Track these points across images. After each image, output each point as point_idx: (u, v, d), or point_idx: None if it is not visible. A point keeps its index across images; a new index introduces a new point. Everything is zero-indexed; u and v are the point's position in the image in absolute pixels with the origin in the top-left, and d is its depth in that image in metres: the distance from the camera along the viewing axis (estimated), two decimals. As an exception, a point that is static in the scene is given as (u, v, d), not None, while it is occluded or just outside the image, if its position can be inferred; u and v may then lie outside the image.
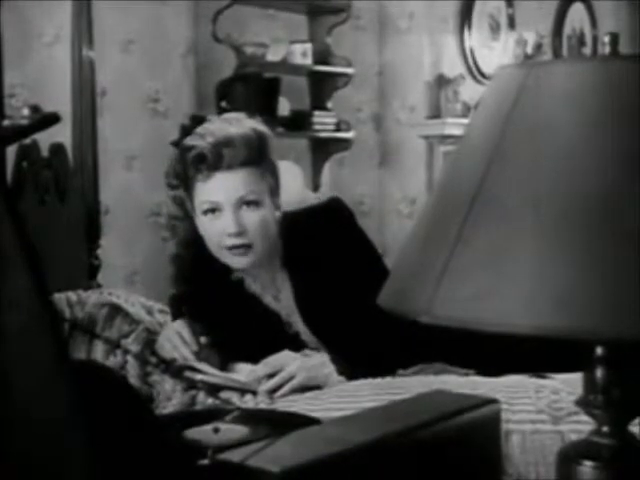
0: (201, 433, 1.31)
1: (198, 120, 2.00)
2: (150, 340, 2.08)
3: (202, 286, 2.09)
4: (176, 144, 1.99)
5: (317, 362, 1.85)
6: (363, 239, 2.05)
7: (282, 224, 1.99)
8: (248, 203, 1.91)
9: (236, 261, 1.95)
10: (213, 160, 1.88)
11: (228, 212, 1.90)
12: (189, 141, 1.92)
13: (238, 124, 1.93)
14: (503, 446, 1.28)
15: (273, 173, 1.97)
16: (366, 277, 1.90)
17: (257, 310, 2.03)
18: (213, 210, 1.92)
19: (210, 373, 1.84)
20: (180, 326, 1.99)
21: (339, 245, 1.98)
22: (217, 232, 1.93)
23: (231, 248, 1.93)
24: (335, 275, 1.94)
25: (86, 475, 0.78)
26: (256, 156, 1.91)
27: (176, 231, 2.07)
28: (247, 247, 1.92)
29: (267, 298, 2.04)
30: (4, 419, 0.77)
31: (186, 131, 1.99)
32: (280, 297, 2.03)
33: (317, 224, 2.00)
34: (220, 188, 1.90)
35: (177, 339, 1.96)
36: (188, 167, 1.92)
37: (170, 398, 1.79)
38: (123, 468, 0.98)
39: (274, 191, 1.97)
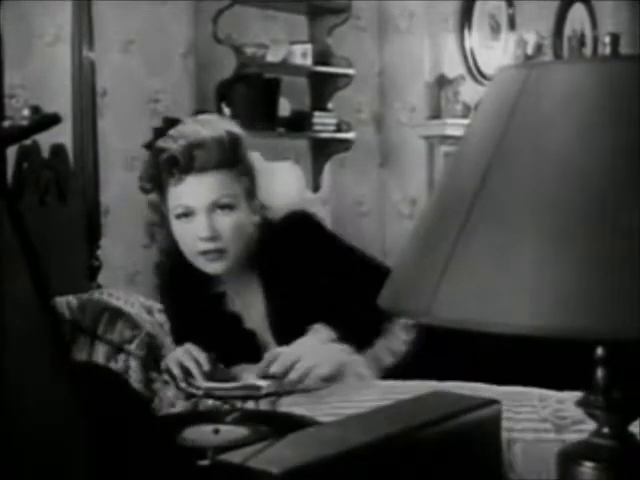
0: (201, 434, 1.31)
1: (171, 122, 1.97)
2: (153, 345, 2.05)
3: (183, 302, 2.04)
4: (149, 146, 1.96)
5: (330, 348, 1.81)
6: (335, 248, 1.99)
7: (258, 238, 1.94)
8: (222, 207, 1.88)
9: (210, 267, 1.91)
10: (185, 163, 1.85)
11: (201, 216, 1.87)
12: (161, 143, 1.90)
13: (210, 126, 1.91)
14: (506, 454, 1.27)
15: (249, 175, 1.94)
16: (340, 291, 1.87)
17: (237, 329, 1.98)
18: (186, 214, 1.89)
19: (220, 387, 1.79)
20: (190, 347, 1.93)
21: (308, 261, 1.92)
22: (190, 236, 1.90)
23: (205, 253, 1.89)
24: (308, 292, 1.89)
25: (86, 475, 0.78)
26: (229, 158, 1.88)
27: (155, 238, 2.03)
28: (221, 252, 1.89)
29: (247, 316, 1.99)
30: (4, 419, 0.77)
31: (159, 133, 1.96)
32: (251, 312, 1.98)
33: (281, 242, 1.95)
34: (192, 191, 1.87)
35: (188, 360, 1.87)
36: (161, 170, 1.89)
37: (173, 405, 1.77)
38: (123, 468, 0.98)
39: (251, 194, 1.94)
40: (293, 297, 1.90)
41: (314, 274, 1.91)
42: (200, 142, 1.86)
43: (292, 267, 1.92)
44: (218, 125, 1.92)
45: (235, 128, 1.94)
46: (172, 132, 1.90)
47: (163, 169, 1.89)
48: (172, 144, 1.87)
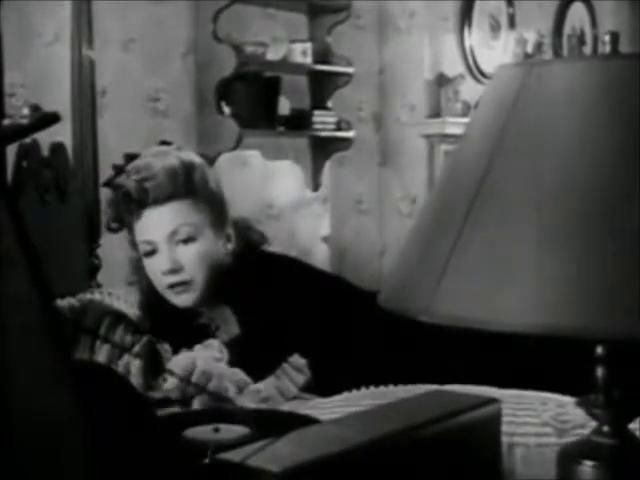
0: (201, 433, 1.31)
1: (131, 158, 1.96)
2: (154, 351, 2.04)
3: (171, 337, 1.96)
4: (108, 184, 1.96)
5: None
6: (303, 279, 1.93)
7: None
8: (184, 238, 1.87)
9: (179, 299, 1.90)
10: (138, 197, 1.85)
11: (163, 249, 1.87)
12: (118, 180, 1.90)
13: (164, 157, 1.89)
14: (506, 458, 1.26)
15: (214, 203, 1.92)
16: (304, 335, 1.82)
17: None
18: (152, 251, 1.89)
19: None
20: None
21: (276, 293, 1.88)
22: (156, 271, 1.90)
23: (172, 286, 1.89)
24: (277, 328, 1.83)
25: (86, 475, 0.78)
26: (184, 188, 1.87)
27: (140, 273, 2.02)
28: (186, 284, 1.88)
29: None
30: (4, 419, 0.77)
31: (118, 170, 1.95)
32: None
33: (247, 275, 1.90)
34: (151, 225, 1.87)
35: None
36: (120, 208, 1.90)
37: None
38: (123, 468, 0.98)
39: (217, 221, 1.92)
40: (263, 332, 1.85)
41: (281, 307, 1.86)
42: (152, 175, 1.85)
43: (261, 300, 1.87)
44: (172, 155, 1.91)
45: (191, 156, 1.93)
46: (128, 167, 1.90)
47: (122, 206, 1.89)
48: (126, 180, 1.87)
